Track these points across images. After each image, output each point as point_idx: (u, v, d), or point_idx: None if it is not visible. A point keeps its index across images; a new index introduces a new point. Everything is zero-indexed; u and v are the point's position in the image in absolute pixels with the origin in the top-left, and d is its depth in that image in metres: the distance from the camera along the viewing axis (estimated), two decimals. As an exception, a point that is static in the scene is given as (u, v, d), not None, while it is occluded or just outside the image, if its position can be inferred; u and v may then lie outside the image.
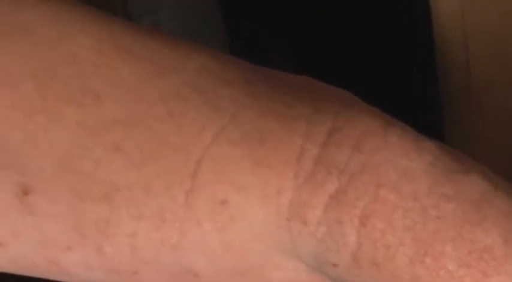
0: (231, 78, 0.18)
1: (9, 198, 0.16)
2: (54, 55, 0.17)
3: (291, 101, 0.17)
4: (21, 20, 0.17)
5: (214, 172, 0.16)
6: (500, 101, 0.65)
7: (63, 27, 0.17)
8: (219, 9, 1.48)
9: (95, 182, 0.16)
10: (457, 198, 0.15)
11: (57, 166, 0.16)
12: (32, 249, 0.16)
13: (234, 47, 1.54)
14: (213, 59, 0.18)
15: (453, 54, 0.70)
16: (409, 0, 1.03)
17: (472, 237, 0.15)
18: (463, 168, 0.16)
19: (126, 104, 0.16)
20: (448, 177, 0.15)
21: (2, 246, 0.16)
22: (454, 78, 0.63)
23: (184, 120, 0.17)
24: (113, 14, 0.84)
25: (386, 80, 1.19)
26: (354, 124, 0.17)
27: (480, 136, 0.64)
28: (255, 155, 0.16)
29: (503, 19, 0.65)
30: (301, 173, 0.16)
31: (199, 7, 1.50)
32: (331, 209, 0.16)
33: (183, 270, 0.16)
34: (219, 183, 0.16)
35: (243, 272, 0.16)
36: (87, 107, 0.16)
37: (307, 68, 1.45)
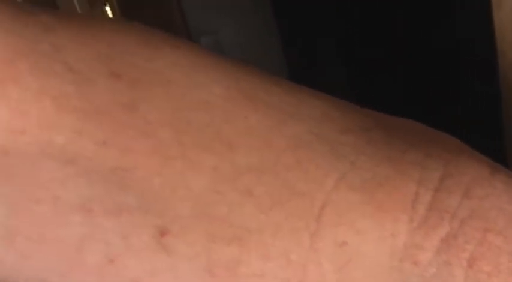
0: (349, 126, 0.18)
1: (148, 239, 0.16)
2: (188, 103, 0.17)
3: (404, 147, 0.18)
4: (156, 68, 0.17)
5: (336, 216, 0.17)
6: None
7: (195, 75, 0.18)
8: (276, 29, 1.50)
9: (228, 225, 0.16)
10: None
11: (193, 210, 0.16)
12: None
13: (289, 64, 1.56)
14: (332, 106, 0.19)
15: None
16: (469, 11, 1.03)
17: None
18: None
19: (257, 151, 0.17)
20: None
21: None
22: None
23: (309, 167, 0.17)
24: (174, 33, 0.88)
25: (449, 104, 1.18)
26: (464, 171, 0.17)
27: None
28: (373, 200, 0.17)
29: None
30: (415, 217, 0.17)
31: (258, 28, 1.53)
32: (441, 252, 0.16)
33: None
34: (340, 226, 0.17)
35: None
36: (221, 154, 0.17)
37: (359, 83, 1.45)
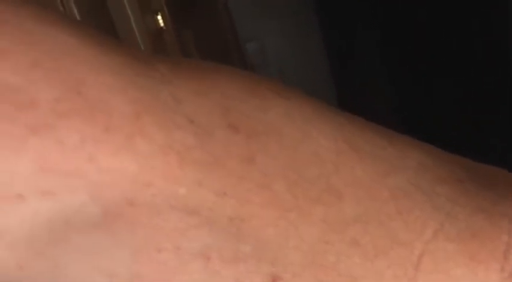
0: (444, 176, 0.19)
1: None
2: (300, 155, 0.18)
3: (495, 198, 0.19)
4: (269, 120, 0.18)
5: (433, 264, 0.18)
6: None
7: (304, 127, 0.18)
8: (321, 38, 1.50)
9: (336, 274, 0.17)
10: None
11: (304, 258, 0.17)
12: None
13: (334, 75, 1.55)
14: (428, 156, 0.20)
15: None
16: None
17: None
18: None
19: (362, 202, 0.18)
20: None
21: None
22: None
23: (410, 217, 0.18)
24: (222, 39, 0.88)
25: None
26: None
27: None
28: (468, 250, 0.18)
29: None
30: (506, 267, 0.18)
31: (303, 36, 1.53)
32: None
33: None
34: (436, 274, 0.18)
35: None
36: (330, 205, 0.17)
37: (408, 106, 1.44)
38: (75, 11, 0.75)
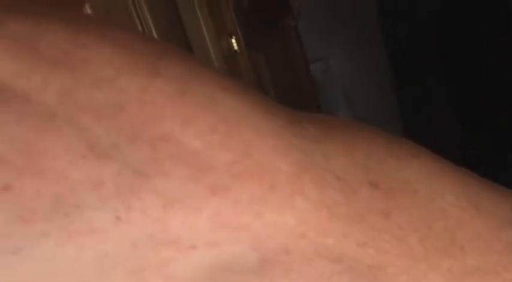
0: None
1: None
2: (429, 210, 0.20)
3: None
4: (405, 177, 0.20)
5: None
6: None
7: (433, 184, 0.20)
8: (386, 57, 1.50)
9: None
10: None
11: None
12: None
13: (399, 98, 1.54)
14: None
15: None
16: None
17: None
18: None
19: (482, 254, 0.19)
20: None
21: None
22: None
23: None
24: (291, 60, 0.90)
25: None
26: None
27: None
28: None
29: None
30: None
31: (368, 58, 1.54)
32: None
33: None
34: None
35: None
36: (455, 257, 0.19)
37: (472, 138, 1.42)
38: (154, 32, 0.79)
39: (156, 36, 0.79)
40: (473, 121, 1.92)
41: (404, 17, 1.68)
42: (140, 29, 0.78)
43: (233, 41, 0.85)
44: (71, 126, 0.17)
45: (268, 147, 0.18)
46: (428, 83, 1.82)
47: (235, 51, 0.85)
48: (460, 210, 0.20)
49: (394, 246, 0.19)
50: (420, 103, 1.76)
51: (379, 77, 1.54)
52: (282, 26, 1.01)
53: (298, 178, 0.18)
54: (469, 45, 1.92)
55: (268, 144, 0.18)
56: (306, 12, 1.30)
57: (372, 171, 0.20)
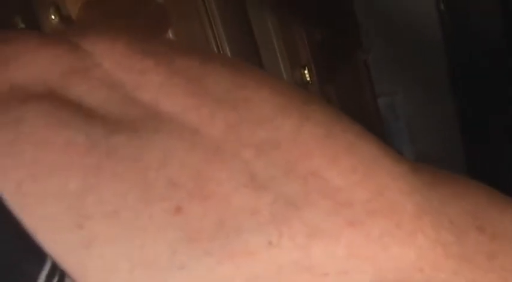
0: None
1: None
2: None
3: None
4: (505, 224, 0.22)
5: None
6: None
7: None
8: (450, 96, 1.50)
9: None
10: None
11: None
12: None
13: (463, 141, 1.54)
14: None
15: None
16: None
17: None
18: None
19: None
20: None
21: None
22: None
23: None
24: (360, 93, 0.92)
25: None
26: None
27: None
28: None
29: None
30: None
31: (433, 96, 1.54)
32: None
33: None
34: None
35: None
36: None
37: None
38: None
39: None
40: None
41: (472, 56, 1.68)
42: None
43: (306, 72, 0.88)
44: (234, 158, 0.20)
45: (397, 189, 0.21)
46: (491, 122, 1.81)
47: (308, 82, 0.88)
48: None
49: None
50: (483, 143, 1.75)
51: (443, 115, 1.54)
52: (352, 59, 1.04)
53: (419, 218, 0.21)
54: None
55: (397, 186, 0.21)
56: (377, 47, 1.32)
57: (478, 218, 0.22)
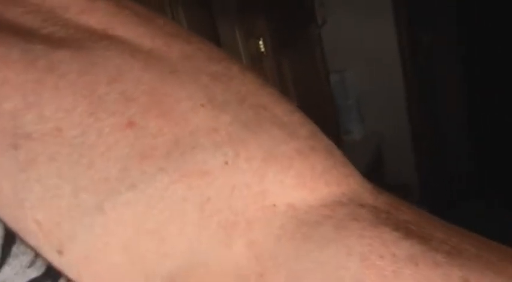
0: None
1: None
2: None
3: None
4: None
5: None
6: None
7: None
8: (401, 75, 1.53)
9: None
10: None
11: None
12: None
13: (409, 110, 1.56)
14: None
15: None
16: None
17: None
18: None
19: None
20: None
21: None
22: None
23: None
24: (313, 69, 0.92)
25: None
26: None
27: None
28: None
29: None
30: None
31: (382, 73, 1.56)
32: None
33: None
34: None
35: None
36: None
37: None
38: (185, 27, 0.81)
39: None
40: (484, 137, 1.94)
41: (423, 32, 1.71)
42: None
43: (260, 43, 0.87)
44: (191, 79, 0.19)
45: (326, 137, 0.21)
46: (439, 100, 1.85)
47: (262, 52, 0.87)
48: None
49: None
50: (432, 121, 1.79)
51: (392, 94, 1.57)
52: (306, 33, 1.04)
53: (349, 165, 0.21)
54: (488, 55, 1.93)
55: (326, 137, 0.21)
56: (330, 23, 1.33)
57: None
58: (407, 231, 0.19)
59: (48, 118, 0.18)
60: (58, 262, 0.18)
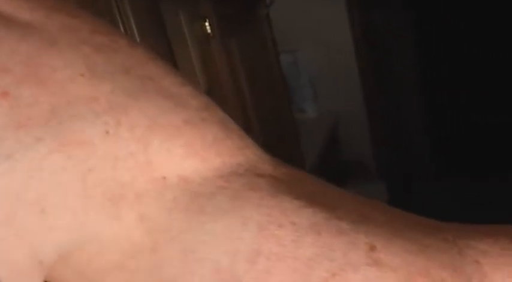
0: None
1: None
2: None
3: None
4: None
5: None
6: None
7: None
8: (355, 52, 1.53)
9: None
10: None
11: None
12: None
13: (364, 88, 1.57)
14: None
15: None
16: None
17: None
18: None
19: None
20: None
21: None
22: None
23: None
24: (265, 49, 0.91)
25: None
26: None
27: None
28: None
29: None
30: None
31: (334, 52, 1.56)
32: None
33: None
34: None
35: None
36: None
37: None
38: (130, 14, 0.79)
39: (132, 19, 0.80)
40: (440, 112, 1.96)
41: (378, 10, 1.71)
42: (116, 9, 0.79)
43: (206, 24, 0.86)
44: (72, 50, 0.19)
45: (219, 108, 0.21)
46: (394, 79, 1.86)
47: (208, 34, 0.86)
48: None
49: None
50: (387, 98, 1.80)
51: (346, 73, 1.57)
52: (254, 13, 1.03)
53: (246, 137, 0.21)
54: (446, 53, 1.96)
55: (218, 107, 0.21)
56: (279, 3, 1.32)
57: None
58: (310, 201, 0.19)
59: None
60: None
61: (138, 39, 0.80)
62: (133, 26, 0.79)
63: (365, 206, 0.20)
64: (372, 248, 0.18)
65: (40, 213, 0.18)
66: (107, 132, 0.18)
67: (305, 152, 1.26)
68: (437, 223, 0.20)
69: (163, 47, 0.82)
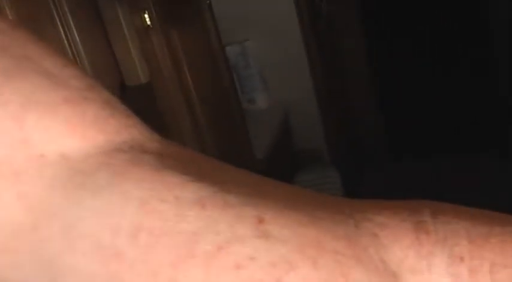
0: None
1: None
2: None
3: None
4: None
5: None
6: None
7: None
8: (303, 41, 1.53)
9: None
10: None
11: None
12: None
13: (313, 75, 1.58)
14: None
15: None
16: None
17: None
18: None
19: None
20: None
21: None
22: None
23: None
24: (206, 40, 0.90)
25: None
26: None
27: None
28: None
29: None
30: None
31: (283, 42, 1.56)
32: None
33: None
34: None
35: None
36: None
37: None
38: (66, 8, 0.77)
39: (68, 12, 0.78)
40: (392, 99, 1.98)
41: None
42: (52, 6, 0.77)
43: (146, 16, 0.84)
44: None
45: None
46: (344, 65, 1.87)
47: (148, 26, 0.84)
48: None
49: None
50: (338, 85, 1.81)
51: (295, 62, 1.57)
52: (195, 3, 1.01)
53: (132, 117, 0.21)
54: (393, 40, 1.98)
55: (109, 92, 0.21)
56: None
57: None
58: (198, 176, 0.19)
59: None
60: None
61: (75, 32, 0.78)
62: (70, 20, 0.77)
63: (259, 182, 0.20)
64: (261, 221, 0.18)
65: None
66: None
67: (257, 143, 1.25)
68: (337, 199, 0.20)
69: (100, 39, 0.80)
